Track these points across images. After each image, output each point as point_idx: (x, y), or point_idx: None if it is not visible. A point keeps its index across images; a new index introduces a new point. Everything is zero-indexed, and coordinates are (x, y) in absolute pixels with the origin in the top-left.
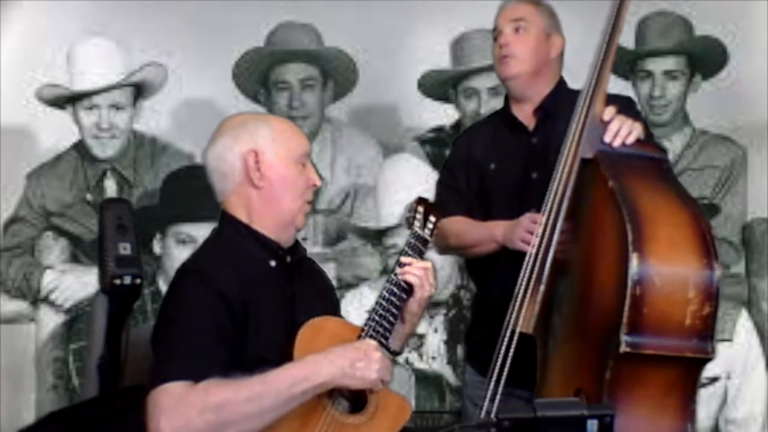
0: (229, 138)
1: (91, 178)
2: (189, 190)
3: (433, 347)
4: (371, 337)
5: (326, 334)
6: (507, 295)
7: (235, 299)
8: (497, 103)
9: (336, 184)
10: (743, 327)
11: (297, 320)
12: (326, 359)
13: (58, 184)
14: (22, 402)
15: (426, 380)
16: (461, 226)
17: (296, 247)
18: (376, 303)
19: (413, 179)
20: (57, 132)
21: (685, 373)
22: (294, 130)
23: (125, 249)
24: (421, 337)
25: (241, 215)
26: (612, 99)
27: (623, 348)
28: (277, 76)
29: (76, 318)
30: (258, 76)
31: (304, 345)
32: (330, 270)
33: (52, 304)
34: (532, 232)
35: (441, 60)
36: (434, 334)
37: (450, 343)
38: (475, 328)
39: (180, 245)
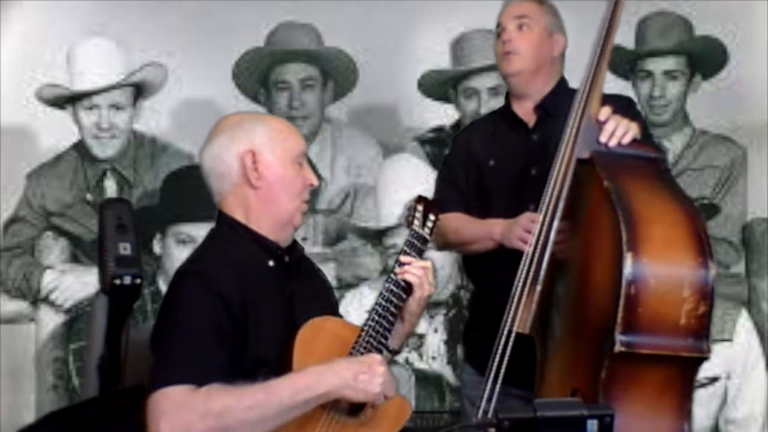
0: (225, 138)
1: (91, 178)
2: (189, 190)
3: (433, 347)
4: (371, 336)
5: (326, 333)
6: (504, 292)
7: (234, 300)
8: (497, 103)
9: (336, 184)
10: (743, 327)
11: (296, 320)
12: (330, 370)
13: (58, 184)
14: (22, 402)
15: (426, 380)
16: (459, 223)
17: (294, 247)
18: (376, 303)
19: (413, 179)
20: (57, 132)
21: (681, 373)
22: (291, 130)
23: (125, 249)
24: (421, 337)
25: (239, 215)
26: (612, 99)
27: (618, 348)
28: (277, 76)
29: (76, 318)
30: (258, 76)
31: (304, 345)
32: (330, 270)
33: (52, 304)
34: (530, 232)
35: (441, 60)
36: (434, 334)
37: (450, 343)
38: (473, 325)
39: (180, 245)
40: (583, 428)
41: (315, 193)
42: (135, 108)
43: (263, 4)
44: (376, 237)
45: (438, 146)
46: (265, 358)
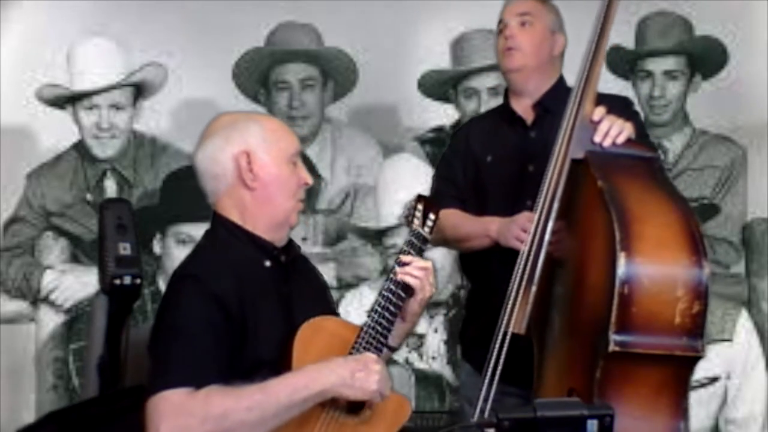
0: (219, 139)
1: (91, 178)
2: (189, 190)
3: (433, 347)
4: (370, 336)
5: (325, 333)
6: (499, 289)
7: (231, 302)
8: (497, 103)
9: (336, 184)
10: (743, 327)
11: (294, 319)
12: (327, 368)
13: (58, 184)
14: (22, 402)
15: (426, 380)
16: (456, 219)
17: (290, 246)
18: (376, 302)
19: (413, 179)
20: (57, 132)
21: (676, 372)
22: (285, 129)
23: (125, 249)
24: (421, 337)
25: (234, 216)
26: (610, 99)
27: (612, 347)
28: (277, 76)
29: (76, 318)
30: (258, 76)
31: (304, 344)
32: (330, 270)
33: (52, 304)
34: (527, 231)
35: (441, 60)
36: (434, 334)
37: (450, 343)
38: (469, 322)
39: (180, 245)
40: (583, 428)
41: (315, 193)
42: (135, 108)
43: (263, 4)
44: (376, 237)
45: (438, 146)
46: (263, 359)
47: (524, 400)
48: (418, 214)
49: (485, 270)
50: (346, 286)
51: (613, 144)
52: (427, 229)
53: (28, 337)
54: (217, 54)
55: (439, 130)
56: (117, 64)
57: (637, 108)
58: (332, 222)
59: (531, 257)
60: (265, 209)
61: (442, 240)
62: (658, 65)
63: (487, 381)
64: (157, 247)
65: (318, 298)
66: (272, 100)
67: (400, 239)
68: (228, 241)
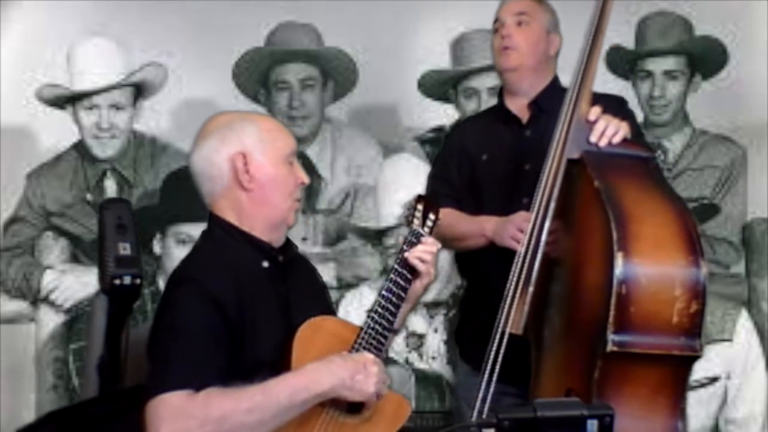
0: (215, 140)
1: (91, 178)
2: (189, 190)
3: (433, 347)
4: (371, 336)
5: (325, 333)
6: (495, 289)
7: (229, 303)
8: None
9: (336, 184)
10: (743, 327)
11: (293, 319)
12: (327, 369)
13: (58, 184)
14: (22, 402)
15: (426, 380)
16: (451, 219)
17: (288, 246)
18: (376, 302)
19: (413, 179)
20: (57, 132)
21: (674, 372)
22: (280, 129)
23: (125, 249)
24: (421, 337)
25: (231, 217)
26: (603, 98)
27: (610, 347)
28: (277, 76)
29: (76, 318)
30: (258, 76)
31: (303, 344)
32: (330, 270)
33: (52, 304)
34: (523, 231)
35: (441, 60)
36: (434, 334)
37: (450, 343)
38: (465, 321)
39: (180, 245)
40: (583, 428)
41: (315, 193)
42: (135, 108)
43: (263, 4)
44: (376, 237)
45: (438, 146)
46: (263, 359)
47: (522, 400)
48: (418, 213)
49: (481, 269)
50: (346, 286)
51: (609, 144)
52: (426, 229)
53: (28, 337)
54: (217, 54)
55: (439, 130)
56: (117, 64)
57: (632, 107)
58: (332, 222)
59: (528, 257)
60: (262, 210)
61: (442, 239)
62: (658, 65)
63: (485, 381)
64: (157, 247)
65: (316, 297)
66: (272, 100)
67: (400, 239)
68: (225, 242)
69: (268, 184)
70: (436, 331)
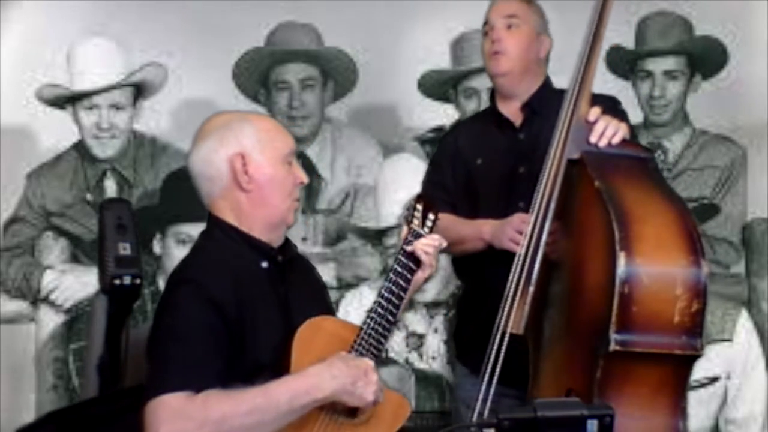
0: (213, 140)
1: (91, 178)
2: (189, 190)
3: (433, 347)
4: (370, 336)
5: (324, 333)
6: (493, 291)
7: (229, 305)
8: None
9: (336, 184)
10: (743, 327)
11: (292, 319)
12: (329, 373)
13: (58, 184)
14: (22, 402)
15: (426, 380)
16: (448, 223)
17: (287, 246)
18: (375, 303)
19: (413, 179)
20: (57, 132)
21: (676, 371)
22: (279, 129)
23: (125, 249)
24: (421, 337)
25: (230, 218)
26: (596, 98)
27: (613, 346)
28: (277, 76)
29: (76, 318)
30: (258, 76)
31: (303, 344)
32: (330, 270)
33: (52, 304)
34: (521, 232)
35: (441, 60)
36: (434, 334)
37: (450, 344)
38: (463, 323)
39: (180, 245)
40: (583, 428)
41: (315, 193)
42: (135, 108)
43: (263, 4)
44: (376, 237)
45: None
46: (263, 360)
47: (522, 401)
48: (418, 214)
49: (479, 272)
50: (346, 286)
51: (609, 144)
52: (426, 229)
53: (28, 337)
54: (217, 54)
55: (439, 130)
56: (117, 64)
57: (632, 107)
58: (332, 222)
59: (528, 258)
60: (261, 210)
61: None
62: (658, 65)
63: (485, 382)
64: (157, 247)
65: (316, 297)
66: (272, 100)
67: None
68: (224, 243)
69: (267, 185)
70: (436, 331)
